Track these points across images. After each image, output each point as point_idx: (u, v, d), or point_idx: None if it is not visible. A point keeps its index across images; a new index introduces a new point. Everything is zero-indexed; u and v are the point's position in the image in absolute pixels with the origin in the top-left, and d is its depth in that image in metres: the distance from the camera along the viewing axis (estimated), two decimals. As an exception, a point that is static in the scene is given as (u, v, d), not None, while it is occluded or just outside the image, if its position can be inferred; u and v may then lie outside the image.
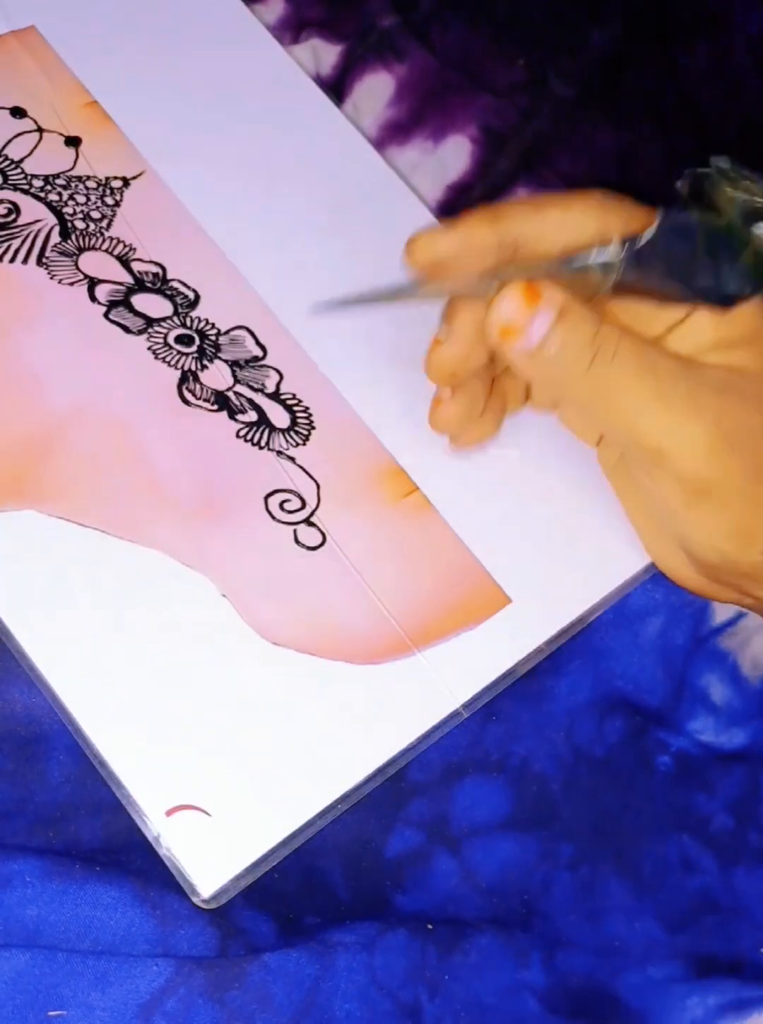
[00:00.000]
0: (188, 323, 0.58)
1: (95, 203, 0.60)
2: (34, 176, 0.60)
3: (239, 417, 0.56)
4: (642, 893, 0.54)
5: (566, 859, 0.54)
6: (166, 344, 0.57)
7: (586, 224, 0.49)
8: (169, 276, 0.59)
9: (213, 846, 0.49)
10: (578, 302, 0.48)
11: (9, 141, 0.60)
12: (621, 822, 0.55)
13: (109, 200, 0.60)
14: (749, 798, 0.56)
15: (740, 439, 0.48)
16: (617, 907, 0.53)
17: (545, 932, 0.53)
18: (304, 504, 0.55)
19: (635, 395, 0.48)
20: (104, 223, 0.59)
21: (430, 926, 0.51)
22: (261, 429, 0.56)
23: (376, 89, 0.66)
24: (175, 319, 0.58)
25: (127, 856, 0.51)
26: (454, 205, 0.65)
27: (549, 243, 0.50)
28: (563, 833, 0.54)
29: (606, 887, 0.54)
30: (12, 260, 0.57)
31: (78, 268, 0.58)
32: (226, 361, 0.57)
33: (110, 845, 0.51)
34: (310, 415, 0.57)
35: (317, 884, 0.52)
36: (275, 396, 0.57)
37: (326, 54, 0.67)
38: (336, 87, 0.66)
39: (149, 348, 0.57)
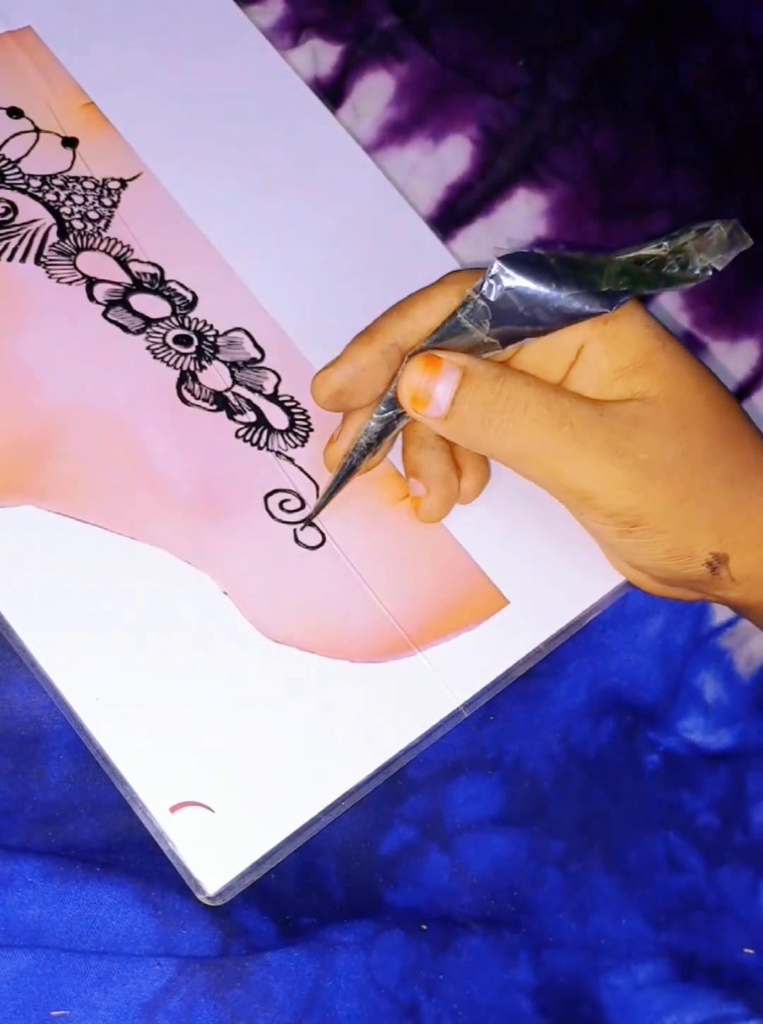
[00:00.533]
0: (186, 324, 0.58)
1: (92, 204, 0.59)
2: (31, 176, 0.59)
3: (238, 417, 0.56)
4: (629, 890, 0.54)
5: (556, 856, 0.54)
6: (165, 344, 0.57)
7: (450, 303, 0.51)
8: (167, 277, 0.59)
9: (217, 843, 0.49)
10: (481, 363, 0.50)
11: (6, 141, 0.60)
12: (610, 820, 0.55)
13: (106, 201, 0.60)
14: (734, 798, 0.56)
15: (658, 469, 0.50)
16: (604, 904, 0.54)
17: (533, 930, 0.53)
18: (304, 504, 0.55)
19: (554, 447, 0.49)
20: (102, 224, 0.59)
21: (424, 926, 0.51)
22: (260, 429, 0.56)
23: (376, 90, 0.66)
24: (173, 319, 0.58)
25: (127, 856, 0.51)
26: (454, 205, 0.65)
27: (423, 336, 0.52)
28: (553, 830, 0.54)
29: (594, 884, 0.54)
30: (10, 258, 0.57)
31: (76, 267, 0.58)
32: (224, 362, 0.57)
33: (110, 844, 0.51)
34: (308, 417, 0.57)
35: (313, 883, 0.52)
36: (273, 397, 0.57)
37: (326, 55, 0.67)
38: (336, 88, 0.66)
39: (148, 348, 0.57)
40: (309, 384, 0.57)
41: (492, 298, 0.50)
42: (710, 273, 0.51)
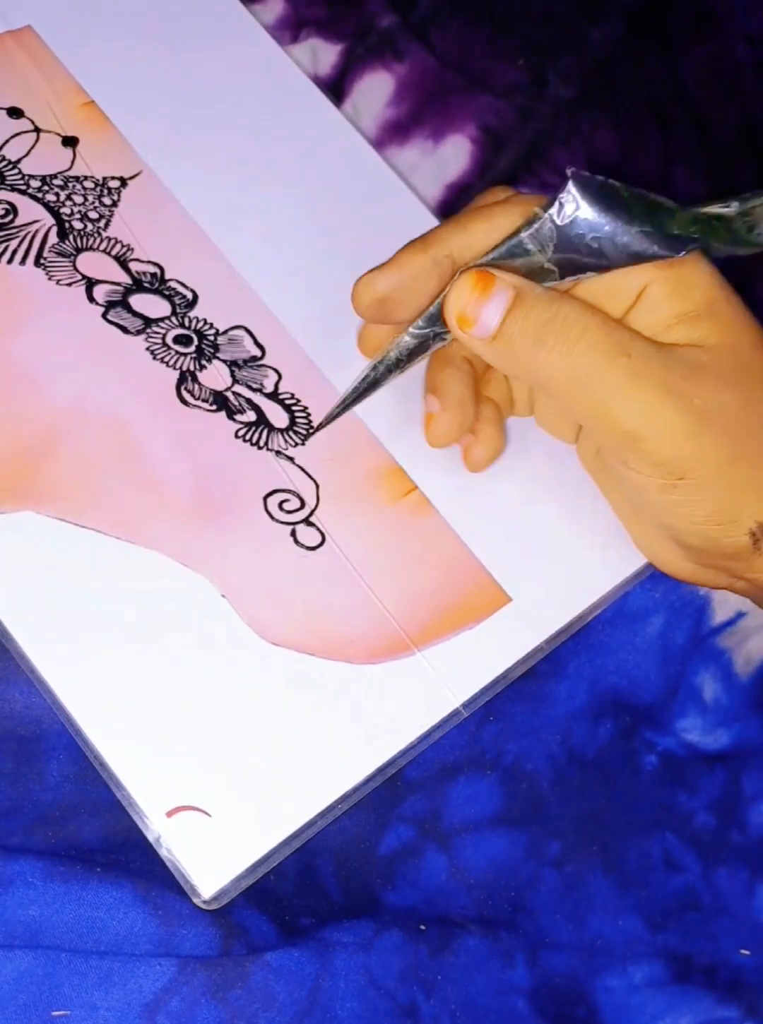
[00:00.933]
0: (186, 323, 0.58)
1: (92, 203, 0.59)
2: (31, 176, 0.59)
3: (238, 417, 0.56)
4: (626, 891, 0.54)
5: (553, 856, 0.54)
6: (164, 344, 0.57)
7: (511, 226, 0.49)
8: (167, 276, 0.59)
9: (214, 847, 0.49)
10: (535, 286, 0.48)
11: (6, 141, 0.60)
12: (607, 820, 0.55)
13: (107, 200, 0.60)
14: (731, 798, 0.56)
15: (714, 419, 0.48)
16: (601, 904, 0.54)
17: (530, 931, 0.53)
18: (303, 504, 0.55)
19: (608, 377, 0.47)
20: (102, 223, 0.59)
21: (423, 927, 0.51)
22: (260, 429, 0.56)
23: (376, 89, 0.66)
24: (173, 319, 0.58)
25: (127, 856, 0.51)
26: (454, 205, 0.65)
27: (480, 252, 0.50)
28: (551, 831, 0.54)
29: (591, 885, 0.54)
30: (10, 261, 0.57)
31: (76, 268, 0.58)
32: (224, 361, 0.57)
33: (110, 845, 0.51)
34: (309, 415, 0.57)
35: (312, 883, 0.52)
36: (274, 396, 0.57)
37: (325, 54, 0.67)
38: (335, 87, 0.66)
39: (147, 348, 0.57)
40: (310, 383, 0.57)
41: (560, 221, 0.48)
42: None
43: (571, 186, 0.48)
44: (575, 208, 0.48)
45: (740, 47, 0.69)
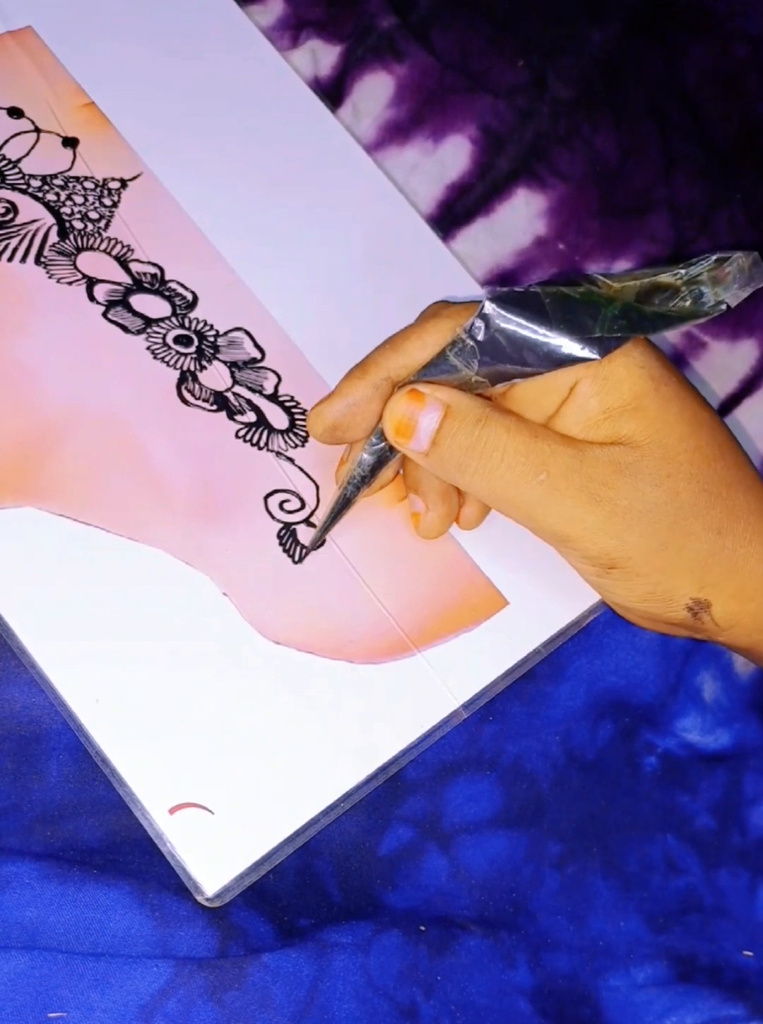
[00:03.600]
0: (186, 324, 0.58)
1: (93, 204, 0.59)
2: (31, 176, 0.59)
3: (238, 418, 0.56)
4: (627, 892, 0.54)
5: (554, 858, 0.54)
6: (165, 344, 0.57)
7: (442, 338, 0.51)
8: (167, 277, 0.59)
9: (217, 844, 0.49)
10: (467, 399, 0.50)
11: (6, 141, 0.60)
12: (608, 822, 0.55)
13: (107, 201, 0.60)
14: (731, 800, 0.56)
15: (637, 515, 0.49)
16: (602, 906, 0.54)
17: (531, 932, 0.53)
18: (304, 504, 0.55)
19: (527, 496, 0.50)
20: (102, 224, 0.59)
21: (422, 927, 0.51)
22: (260, 430, 0.56)
23: (376, 90, 0.66)
24: (173, 320, 0.58)
25: (126, 856, 0.51)
26: (454, 205, 0.65)
27: (416, 368, 0.52)
28: (552, 832, 0.54)
29: (592, 886, 0.54)
30: (10, 258, 0.57)
31: (76, 268, 0.58)
32: (224, 362, 0.57)
33: (109, 845, 0.51)
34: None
35: (311, 884, 0.52)
36: (273, 397, 0.57)
37: (325, 55, 0.67)
38: (335, 88, 0.66)
39: (148, 348, 0.57)
40: (309, 386, 0.58)
41: (480, 338, 0.49)
42: (723, 308, 0.51)
43: (486, 306, 0.49)
44: (491, 327, 0.49)
45: (740, 47, 0.69)
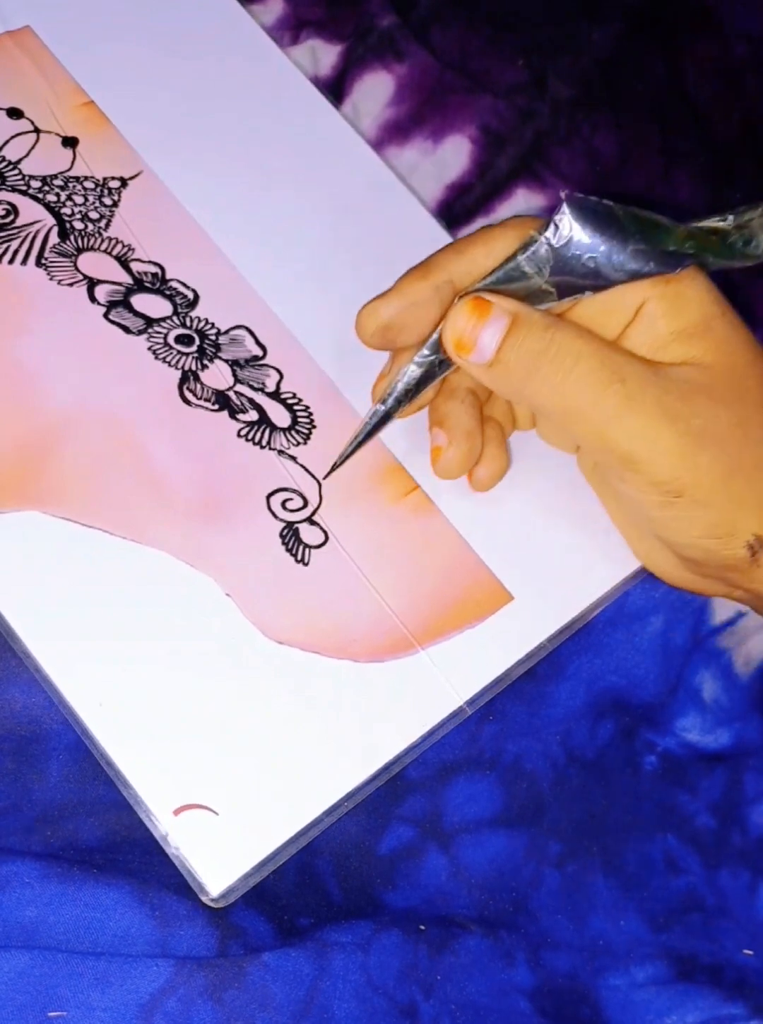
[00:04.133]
0: (188, 323, 0.58)
1: (93, 203, 0.60)
2: (32, 177, 0.59)
3: (240, 416, 0.56)
4: (627, 892, 0.54)
5: (554, 857, 0.54)
6: (166, 344, 0.57)
7: (508, 249, 0.50)
8: (168, 276, 0.59)
9: (221, 844, 0.49)
10: (534, 311, 0.49)
11: (6, 142, 0.60)
12: (608, 821, 0.55)
13: (107, 200, 0.60)
14: (732, 800, 0.56)
15: (710, 438, 0.48)
16: (602, 905, 0.54)
17: (531, 931, 0.53)
18: (306, 503, 0.55)
19: (604, 403, 0.48)
20: (102, 223, 0.59)
21: (422, 927, 0.51)
22: (262, 428, 0.56)
23: (375, 89, 0.67)
24: (175, 319, 0.58)
25: (126, 856, 0.51)
26: (453, 205, 0.65)
27: (480, 276, 0.50)
28: (552, 831, 0.54)
29: (592, 885, 0.54)
30: (11, 261, 0.57)
31: (77, 269, 0.58)
32: (226, 361, 0.57)
33: (109, 844, 0.51)
34: (311, 414, 0.57)
35: (311, 884, 0.52)
36: (275, 395, 0.57)
37: (325, 54, 0.67)
38: (335, 87, 0.66)
39: (149, 348, 0.57)
40: (311, 383, 0.57)
41: (557, 243, 0.48)
42: None
43: (565, 208, 0.48)
44: (570, 230, 0.48)
45: (740, 47, 0.69)
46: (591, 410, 0.48)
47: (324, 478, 0.55)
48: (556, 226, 0.48)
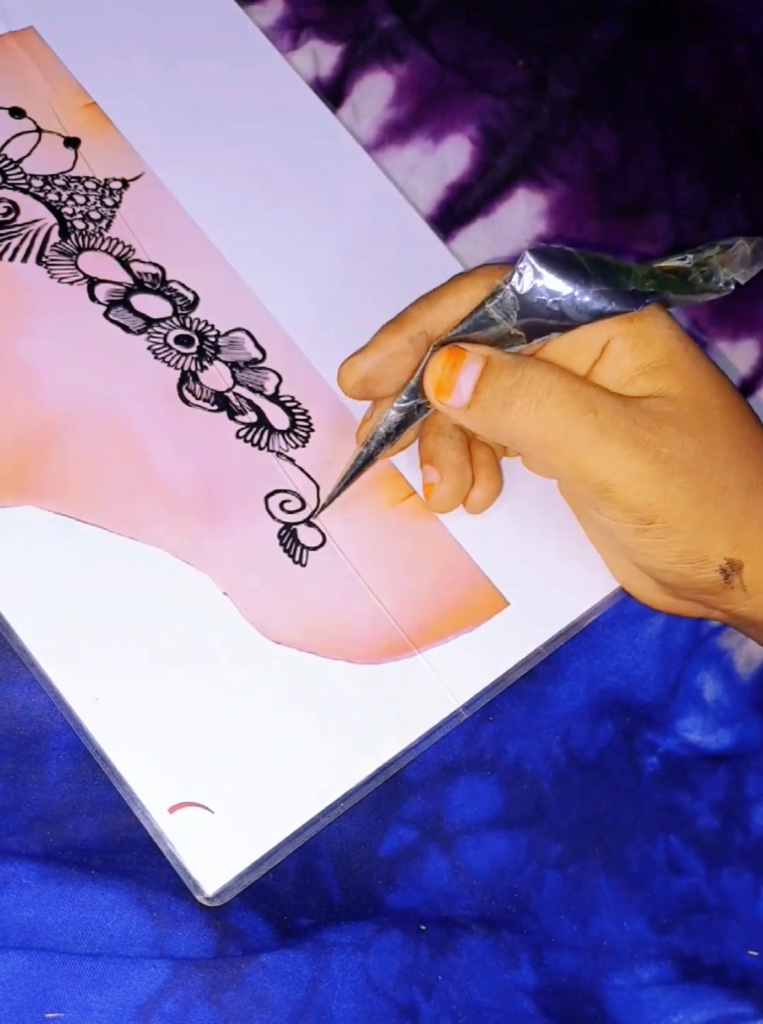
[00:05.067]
0: (187, 324, 0.58)
1: (94, 204, 0.60)
2: (33, 176, 0.59)
3: (239, 418, 0.56)
4: (629, 893, 0.54)
5: (555, 858, 0.54)
6: (166, 344, 0.57)
7: (477, 297, 0.52)
8: (168, 277, 0.59)
9: (216, 843, 0.49)
10: (503, 353, 0.51)
11: (8, 141, 0.60)
12: (609, 822, 0.55)
13: (108, 201, 0.60)
14: (733, 800, 0.56)
15: (679, 465, 0.50)
16: (605, 906, 0.54)
17: (534, 931, 0.53)
18: (304, 505, 0.55)
19: (577, 433, 0.49)
20: (103, 224, 0.59)
21: (423, 927, 0.51)
22: (261, 430, 0.56)
23: (376, 90, 0.66)
24: (174, 320, 0.58)
25: (124, 857, 0.51)
26: (454, 205, 0.65)
27: (451, 325, 0.52)
28: (553, 832, 0.54)
29: (594, 886, 0.54)
30: (12, 258, 0.57)
31: (77, 267, 0.58)
32: (225, 362, 0.57)
33: (107, 845, 0.51)
34: (309, 418, 0.57)
35: (311, 884, 0.52)
36: (274, 398, 0.57)
37: (325, 55, 0.67)
38: (335, 88, 0.66)
39: (149, 348, 0.57)
40: (309, 387, 0.58)
41: (522, 290, 0.50)
42: (732, 287, 0.52)
43: (528, 257, 0.50)
44: (534, 276, 0.50)
45: (740, 47, 0.69)
46: (564, 441, 0.50)
47: (312, 517, 0.55)
48: (520, 274, 0.50)
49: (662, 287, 0.51)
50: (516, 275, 0.50)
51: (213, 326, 0.58)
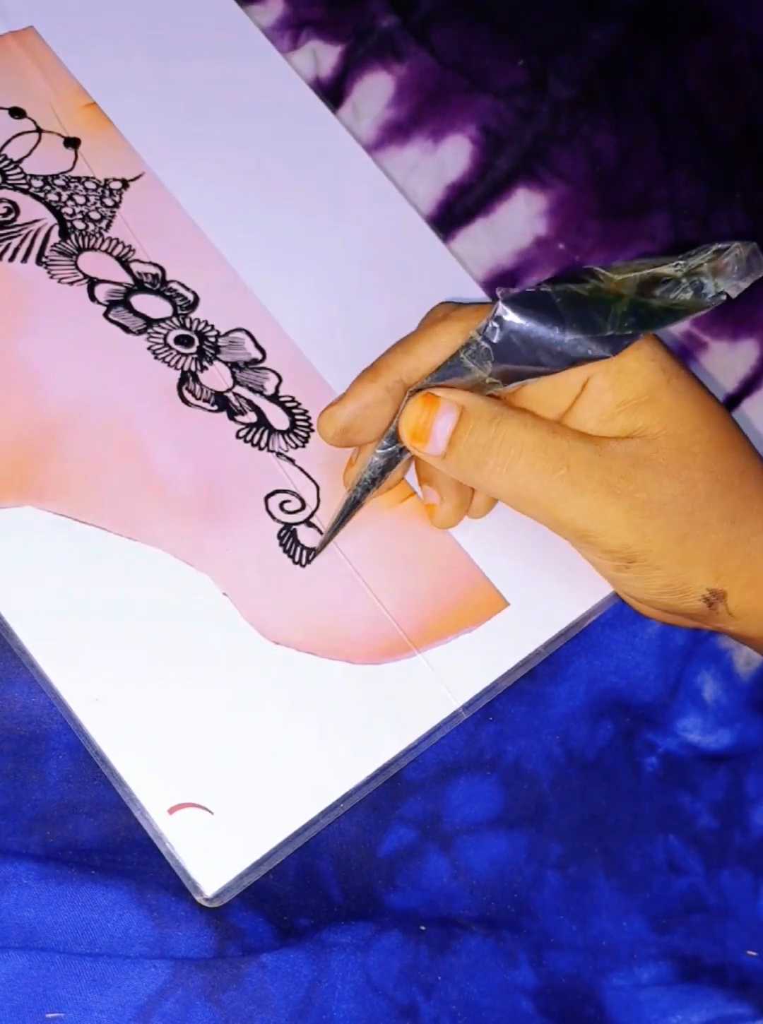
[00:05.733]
0: (187, 324, 0.58)
1: (94, 204, 0.60)
2: (33, 176, 0.59)
3: (239, 418, 0.56)
4: (629, 893, 0.54)
5: (555, 858, 0.54)
6: (166, 344, 0.57)
7: (453, 341, 0.52)
8: (168, 277, 0.59)
9: (216, 844, 0.50)
10: (481, 400, 0.51)
11: (8, 141, 0.60)
12: (609, 822, 0.55)
13: (108, 201, 0.60)
14: (733, 800, 0.56)
15: (657, 508, 0.50)
16: (605, 906, 0.54)
17: (533, 931, 0.53)
18: (304, 505, 0.55)
19: (550, 489, 0.50)
20: (103, 224, 0.59)
21: (423, 928, 0.51)
22: (261, 430, 0.56)
23: (376, 90, 0.66)
24: (174, 320, 0.58)
25: (124, 857, 0.51)
26: (454, 205, 0.65)
27: (427, 372, 0.52)
28: (552, 833, 0.54)
29: (594, 886, 0.54)
30: (12, 258, 0.57)
31: (77, 268, 0.58)
32: (225, 362, 0.58)
33: (107, 845, 0.51)
34: (309, 418, 0.57)
35: (311, 884, 0.52)
36: (274, 398, 0.57)
37: (325, 55, 0.66)
38: (336, 88, 0.66)
39: (149, 348, 0.57)
40: (309, 387, 0.58)
41: (495, 340, 0.50)
42: (723, 299, 0.51)
43: (500, 306, 0.49)
44: (506, 328, 0.50)
45: (740, 46, 0.69)
46: (540, 495, 0.50)
47: (306, 563, 0.55)
48: (494, 324, 0.50)
49: (643, 322, 0.50)
50: (489, 325, 0.50)
51: (213, 326, 0.58)
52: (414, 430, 0.51)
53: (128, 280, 0.58)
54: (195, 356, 0.57)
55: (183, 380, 0.57)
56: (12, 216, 0.58)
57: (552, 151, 0.67)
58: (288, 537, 0.55)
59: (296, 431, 0.57)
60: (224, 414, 0.56)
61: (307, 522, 0.55)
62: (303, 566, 0.54)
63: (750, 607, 0.51)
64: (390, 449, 0.53)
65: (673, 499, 0.50)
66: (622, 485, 0.50)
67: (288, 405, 0.57)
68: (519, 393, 0.52)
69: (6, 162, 0.59)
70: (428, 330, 0.53)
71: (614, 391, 0.51)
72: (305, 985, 0.49)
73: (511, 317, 0.49)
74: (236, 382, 0.57)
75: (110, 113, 0.62)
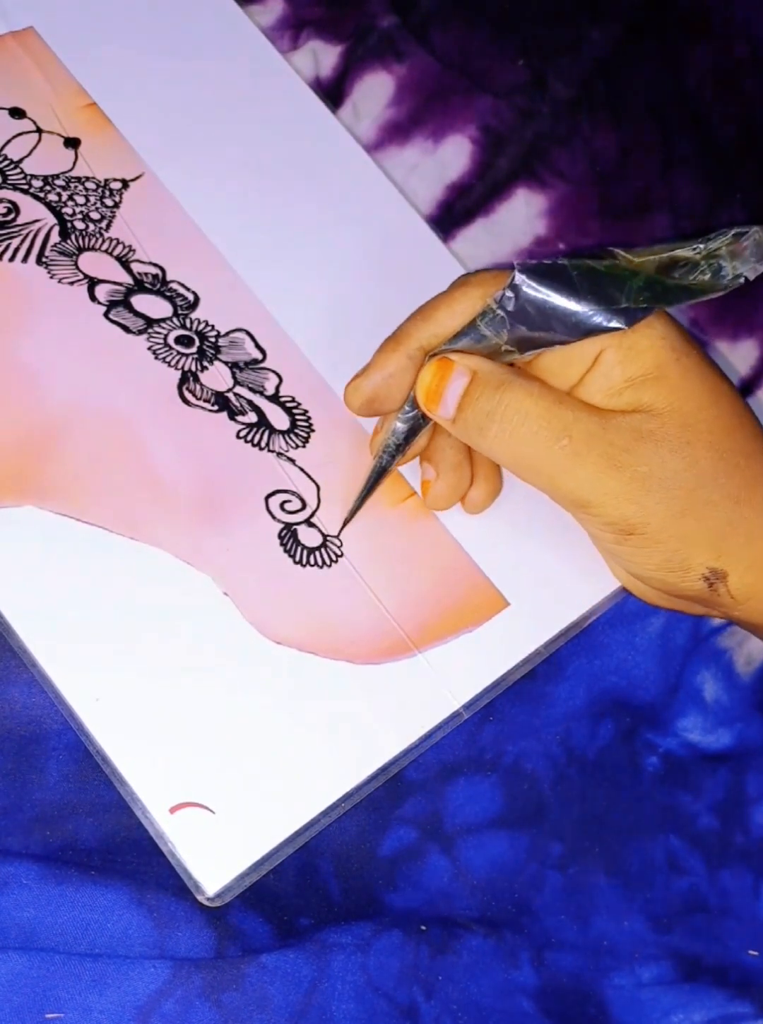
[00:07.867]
0: (188, 324, 0.58)
1: (94, 204, 0.60)
2: (33, 176, 0.60)
3: (239, 418, 0.56)
4: (630, 893, 0.54)
5: (556, 858, 0.54)
6: (166, 345, 0.57)
7: (473, 307, 0.52)
8: (168, 278, 0.59)
9: (217, 844, 0.50)
10: (492, 365, 0.51)
11: (8, 141, 0.60)
12: (609, 822, 0.55)
13: (108, 201, 0.60)
14: (733, 800, 0.56)
15: (657, 482, 0.50)
16: (605, 906, 0.54)
17: (534, 931, 0.53)
18: (305, 505, 0.55)
19: (551, 458, 0.50)
20: (103, 224, 0.59)
21: (423, 927, 0.51)
22: (261, 430, 0.56)
23: (376, 90, 0.66)
24: (175, 320, 0.58)
25: (124, 857, 0.51)
26: (454, 205, 0.65)
27: (447, 337, 0.53)
28: (553, 832, 0.54)
29: (595, 886, 0.54)
30: (12, 258, 0.57)
31: (78, 268, 0.58)
32: (226, 363, 0.58)
33: (107, 845, 0.51)
34: (309, 418, 0.57)
35: (311, 885, 0.52)
36: (274, 398, 0.57)
37: (325, 55, 0.66)
38: (336, 88, 0.66)
39: (149, 348, 0.57)
40: (310, 387, 0.58)
41: (511, 309, 0.50)
42: (741, 281, 0.51)
43: (517, 277, 0.50)
44: (522, 297, 0.50)
45: (740, 47, 0.69)
46: (541, 463, 0.51)
47: (337, 535, 0.55)
48: (510, 293, 0.50)
49: (658, 298, 0.51)
50: (505, 293, 0.50)
51: (213, 326, 0.58)
52: (428, 392, 0.52)
53: (128, 280, 0.58)
54: (195, 356, 0.57)
55: (183, 380, 0.57)
56: (12, 216, 0.58)
57: (552, 151, 0.67)
58: (289, 537, 0.55)
59: (296, 431, 0.57)
60: (224, 414, 0.56)
61: (308, 522, 0.55)
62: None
63: (753, 590, 0.51)
64: (412, 414, 0.53)
65: (674, 474, 0.50)
66: (623, 458, 0.50)
67: (288, 405, 0.57)
68: (534, 363, 0.53)
69: (6, 162, 0.59)
70: (448, 297, 0.53)
71: (623, 366, 0.51)
72: (305, 985, 0.49)
73: (527, 286, 0.50)
74: (236, 382, 0.57)
75: (110, 113, 0.62)
